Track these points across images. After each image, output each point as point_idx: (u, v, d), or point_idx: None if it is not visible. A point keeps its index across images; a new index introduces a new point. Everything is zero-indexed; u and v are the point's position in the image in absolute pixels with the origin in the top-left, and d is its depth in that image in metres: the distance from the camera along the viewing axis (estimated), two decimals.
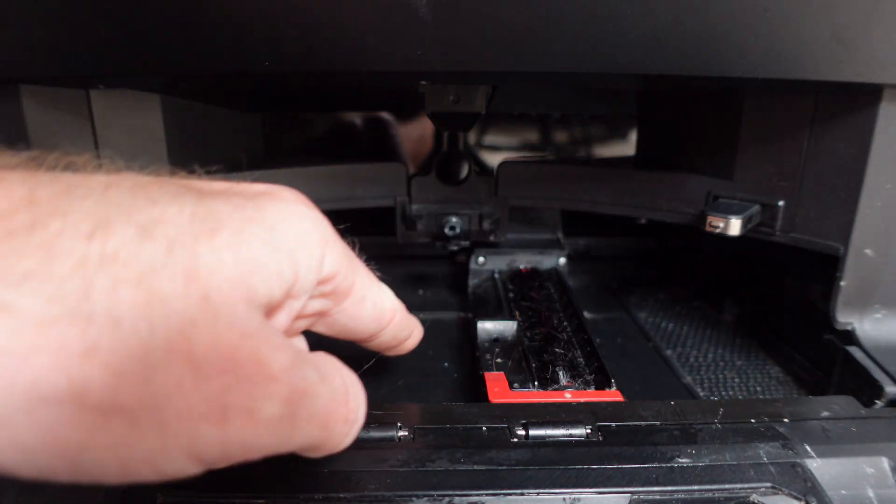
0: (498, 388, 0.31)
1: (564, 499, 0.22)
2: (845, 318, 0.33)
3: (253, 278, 0.17)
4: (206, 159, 0.22)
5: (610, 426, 0.26)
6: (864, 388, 0.31)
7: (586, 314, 0.44)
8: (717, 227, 0.36)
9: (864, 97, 0.30)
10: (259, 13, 0.26)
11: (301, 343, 0.25)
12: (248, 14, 0.26)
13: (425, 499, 0.22)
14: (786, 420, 0.26)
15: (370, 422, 0.24)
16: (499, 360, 0.36)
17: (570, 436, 0.25)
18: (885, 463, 0.24)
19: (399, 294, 0.27)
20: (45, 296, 0.14)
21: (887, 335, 0.33)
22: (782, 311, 0.42)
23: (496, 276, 0.50)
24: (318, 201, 0.22)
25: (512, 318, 0.40)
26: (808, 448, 0.24)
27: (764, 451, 0.24)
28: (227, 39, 0.27)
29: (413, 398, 0.35)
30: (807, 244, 0.34)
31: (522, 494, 0.22)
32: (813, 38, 0.26)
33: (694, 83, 0.35)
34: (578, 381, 0.32)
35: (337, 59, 0.27)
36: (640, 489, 0.22)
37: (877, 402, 0.30)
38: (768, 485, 0.22)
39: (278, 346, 0.17)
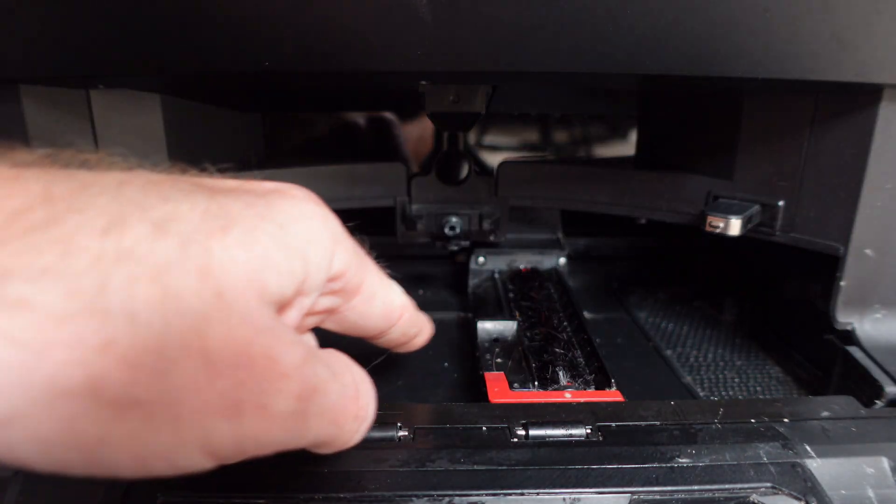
0: (498, 388, 0.31)
1: (564, 499, 0.22)
2: (845, 318, 0.33)
3: (265, 275, 0.17)
4: (206, 159, 0.22)
5: (610, 426, 0.26)
6: (864, 388, 0.31)
7: (586, 314, 0.44)
8: (717, 227, 0.36)
9: (864, 97, 0.30)
10: (259, 13, 0.26)
11: (311, 340, 0.25)
12: (247, 14, 0.26)
13: (425, 499, 0.22)
14: (786, 420, 0.26)
15: None
16: (499, 360, 0.36)
17: (570, 436, 0.25)
18: (885, 463, 0.24)
19: None
20: (62, 291, 0.14)
21: (887, 335, 0.33)
22: (782, 311, 0.42)
23: (496, 276, 0.50)
24: None
25: (512, 318, 0.40)
26: (808, 448, 0.24)
27: (764, 451, 0.24)
28: (226, 39, 0.27)
29: (413, 398, 0.35)
30: (807, 244, 0.34)
31: (522, 494, 0.22)
32: (813, 38, 0.26)
33: (694, 83, 0.35)
34: (578, 381, 0.32)
35: (337, 59, 0.27)
36: (640, 489, 0.22)
37: (877, 402, 0.30)
38: (768, 485, 0.22)
39: (290, 342, 0.17)
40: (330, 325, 0.25)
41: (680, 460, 0.23)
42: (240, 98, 0.51)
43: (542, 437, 0.25)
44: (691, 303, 0.50)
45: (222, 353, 0.16)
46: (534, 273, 0.50)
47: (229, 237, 0.17)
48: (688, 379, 0.39)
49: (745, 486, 0.22)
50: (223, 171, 0.22)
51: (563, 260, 0.51)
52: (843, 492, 0.23)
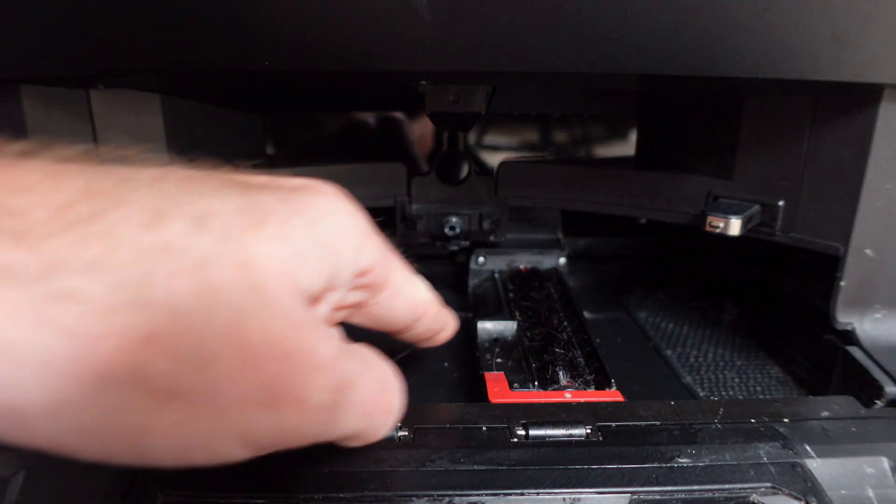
0: (498, 388, 0.31)
1: (564, 499, 0.22)
2: (845, 318, 0.33)
3: (298, 270, 0.17)
4: (207, 160, 0.22)
5: (610, 426, 0.26)
6: (864, 388, 0.31)
7: (586, 314, 0.44)
8: (717, 227, 0.36)
9: (864, 97, 0.30)
10: (258, 13, 0.26)
11: (339, 334, 0.26)
12: (247, 14, 0.26)
13: (425, 499, 0.22)
14: (786, 420, 0.26)
15: None
16: (499, 360, 0.36)
17: (570, 436, 0.25)
18: (885, 463, 0.24)
19: None
20: (109, 284, 0.14)
21: (887, 335, 0.33)
22: (782, 311, 0.42)
23: (496, 276, 0.50)
24: None
25: (512, 318, 0.40)
26: (808, 448, 0.24)
27: (764, 451, 0.24)
28: (226, 39, 0.27)
29: (413, 398, 0.35)
30: (807, 244, 0.34)
31: (522, 494, 0.22)
32: (813, 38, 0.26)
33: (694, 83, 0.35)
34: (578, 381, 0.32)
35: (336, 58, 0.27)
36: (640, 489, 0.22)
37: (877, 402, 0.30)
38: (768, 485, 0.22)
39: (324, 336, 0.18)
40: (357, 319, 0.25)
41: (680, 460, 0.23)
42: (240, 98, 0.51)
43: (542, 437, 0.25)
44: (691, 303, 0.50)
45: (260, 346, 0.16)
46: (534, 273, 0.50)
47: (264, 232, 0.17)
48: (688, 379, 0.39)
49: (745, 486, 0.22)
50: (258, 166, 0.22)
51: (563, 260, 0.51)
52: (843, 492, 0.23)
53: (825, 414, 0.27)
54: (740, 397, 0.37)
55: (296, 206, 0.18)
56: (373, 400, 0.20)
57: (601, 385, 0.32)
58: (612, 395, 0.31)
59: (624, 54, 0.26)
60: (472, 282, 0.51)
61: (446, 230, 0.47)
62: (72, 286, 0.14)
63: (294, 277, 0.17)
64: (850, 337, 0.33)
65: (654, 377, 0.39)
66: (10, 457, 0.23)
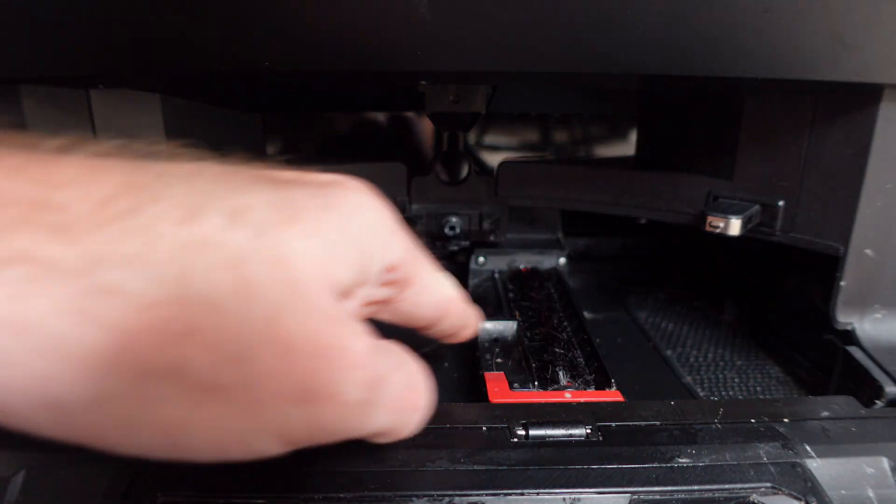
0: (498, 388, 0.31)
1: (564, 499, 0.22)
2: (845, 318, 0.33)
3: (331, 266, 0.17)
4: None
5: (610, 426, 0.26)
6: (864, 388, 0.31)
7: (586, 314, 0.44)
8: (717, 227, 0.36)
9: (864, 97, 0.30)
10: (258, 13, 0.26)
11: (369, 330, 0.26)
12: (247, 14, 0.26)
13: (425, 499, 0.22)
14: (786, 420, 0.26)
15: None
16: (499, 360, 0.36)
17: (570, 436, 0.25)
18: (885, 463, 0.24)
19: None
20: (149, 278, 0.14)
21: (887, 335, 0.33)
22: (782, 311, 0.42)
23: (496, 276, 0.50)
24: None
25: (512, 318, 0.40)
26: (808, 448, 0.24)
27: (764, 451, 0.24)
28: (226, 39, 0.27)
29: None
30: (807, 244, 0.34)
31: (522, 494, 0.22)
32: (813, 38, 0.26)
33: (694, 83, 0.35)
34: (578, 381, 0.32)
35: (336, 58, 0.27)
36: (640, 489, 0.22)
37: (877, 402, 0.30)
38: (768, 485, 0.22)
39: (357, 332, 0.18)
40: (384, 315, 0.25)
41: (680, 460, 0.23)
42: (240, 98, 0.51)
43: (542, 437, 0.25)
44: (691, 303, 0.50)
45: (296, 342, 0.16)
46: (534, 273, 0.50)
47: (297, 227, 0.17)
48: (688, 379, 0.39)
49: (745, 486, 0.22)
50: (291, 162, 0.22)
51: (563, 260, 0.51)
52: (843, 492, 0.23)
53: (825, 414, 0.27)
54: (740, 397, 0.37)
55: (327, 201, 0.18)
56: (403, 396, 0.20)
57: (601, 385, 0.32)
58: (612, 395, 0.31)
59: (624, 54, 0.26)
60: (472, 282, 0.51)
61: (446, 230, 0.47)
62: (113, 280, 0.14)
63: (327, 273, 0.17)
64: (850, 337, 0.33)
65: (654, 377, 0.39)
66: (10, 457, 0.23)
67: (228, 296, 0.15)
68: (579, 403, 0.28)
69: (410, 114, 0.63)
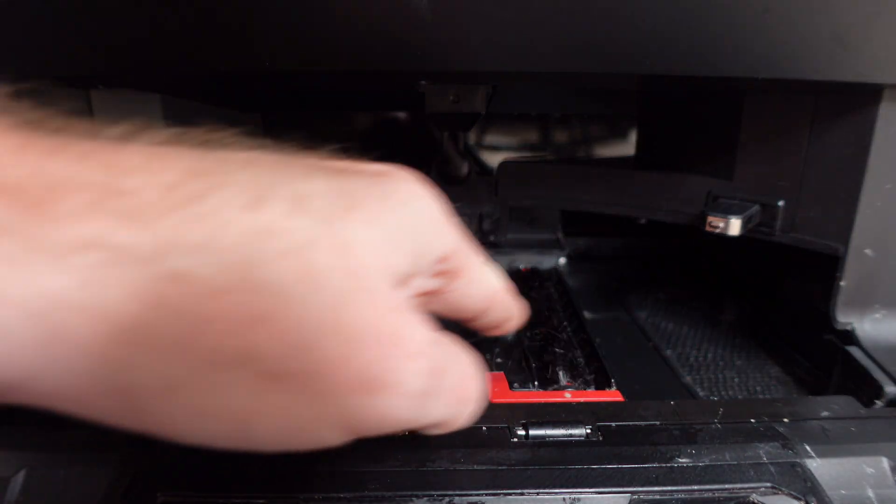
0: (498, 388, 0.31)
1: (564, 499, 0.22)
2: (845, 318, 0.33)
3: (390, 254, 0.17)
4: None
5: (610, 426, 0.26)
6: (864, 388, 0.31)
7: (586, 314, 0.44)
8: (717, 227, 0.36)
9: (864, 97, 0.30)
10: (258, 13, 0.26)
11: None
12: (247, 14, 0.26)
13: (425, 499, 0.22)
14: (786, 420, 0.26)
15: None
16: (499, 360, 0.36)
17: (570, 436, 0.25)
18: (885, 463, 0.24)
19: None
20: (217, 265, 0.14)
21: (887, 335, 0.33)
22: (782, 311, 0.42)
23: None
24: None
25: None
26: (807, 448, 0.24)
27: (764, 451, 0.24)
28: (226, 39, 0.27)
29: None
30: (807, 244, 0.34)
31: (522, 494, 0.22)
32: (813, 38, 0.26)
33: (694, 83, 0.35)
34: (578, 381, 0.32)
35: (336, 58, 0.27)
36: (640, 489, 0.22)
37: (877, 402, 0.30)
38: (768, 485, 0.22)
39: (418, 322, 0.18)
40: (432, 306, 0.24)
41: (680, 460, 0.23)
42: (240, 98, 0.51)
43: (542, 437, 0.25)
44: (691, 303, 0.50)
45: (360, 331, 0.16)
46: (534, 273, 0.50)
47: (358, 216, 0.17)
48: (688, 379, 0.39)
49: (745, 486, 0.22)
50: (343, 150, 0.22)
51: (563, 260, 0.51)
52: (843, 492, 0.23)
53: (825, 414, 0.27)
54: (740, 397, 0.37)
55: (383, 190, 0.18)
56: (460, 387, 0.20)
57: (601, 385, 0.32)
58: (612, 395, 0.31)
59: (624, 54, 0.26)
60: None
61: None
62: (183, 267, 0.14)
63: (387, 262, 0.17)
64: (849, 337, 0.33)
65: (654, 377, 0.39)
66: (10, 457, 0.23)
67: (294, 283, 0.15)
68: (579, 403, 0.28)
69: (409, 114, 0.63)
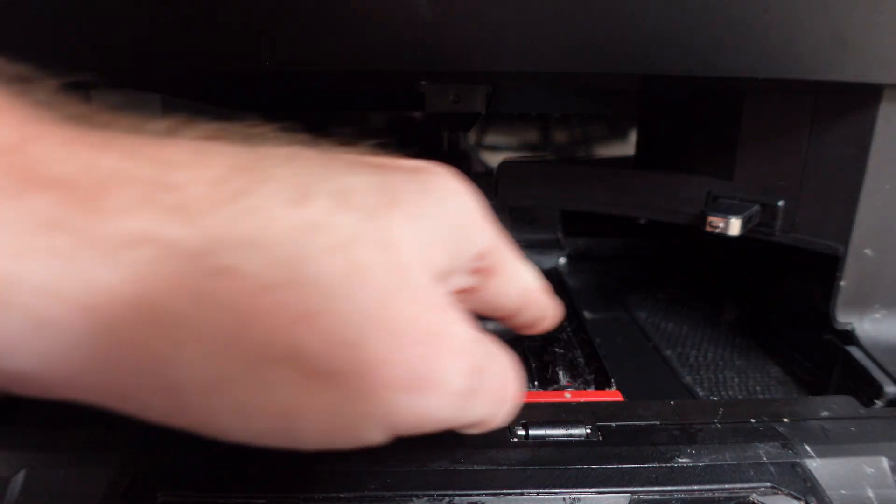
0: None
1: (564, 499, 0.22)
2: (845, 318, 0.33)
3: (431, 251, 0.17)
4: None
5: (610, 426, 0.26)
6: (864, 388, 0.31)
7: (586, 314, 0.44)
8: (717, 227, 0.36)
9: (864, 97, 0.30)
10: (258, 13, 0.26)
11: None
12: (247, 14, 0.26)
13: (425, 499, 0.22)
14: (786, 420, 0.26)
15: None
16: None
17: (570, 436, 0.25)
18: (884, 463, 0.24)
19: None
20: (264, 261, 0.14)
21: (887, 335, 0.33)
22: (782, 311, 0.42)
23: None
24: None
25: None
26: (807, 448, 0.24)
27: (764, 451, 0.24)
28: (226, 39, 0.27)
29: None
30: (807, 244, 0.34)
31: (522, 494, 0.22)
32: (813, 38, 0.26)
33: (694, 83, 0.35)
34: (578, 381, 0.32)
35: (337, 58, 0.27)
36: (640, 489, 0.22)
37: (876, 402, 0.30)
38: (768, 485, 0.22)
39: (461, 319, 0.17)
40: (467, 304, 0.24)
41: (680, 460, 0.23)
42: (240, 98, 0.51)
43: (542, 437, 0.25)
44: (691, 303, 0.50)
45: (405, 328, 0.16)
46: None
47: (400, 212, 0.17)
48: (688, 379, 0.39)
49: (745, 485, 0.22)
50: (382, 146, 0.22)
51: (563, 260, 0.51)
52: (843, 492, 0.23)
53: (825, 414, 0.27)
54: (740, 397, 0.37)
55: (423, 185, 0.18)
56: (501, 386, 0.20)
57: (601, 385, 0.32)
58: (612, 395, 0.31)
59: (624, 54, 0.26)
60: None
61: None
62: (231, 262, 0.14)
63: (428, 258, 0.17)
64: (849, 337, 0.33)
65: (654, 377, 0.39)
66: (10, 457, 0.23)
67: (340, 279, 0.15)
68: (579, 403, 0.28)
69: (411, 113, 0.63)
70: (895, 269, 0.32)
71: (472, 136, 0.63)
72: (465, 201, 0.20)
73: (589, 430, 0.25)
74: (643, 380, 0.38)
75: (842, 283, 0.33)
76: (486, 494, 0.22)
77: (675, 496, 0.22)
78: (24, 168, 0.13)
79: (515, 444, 0.24)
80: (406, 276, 0.16)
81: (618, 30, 0.26)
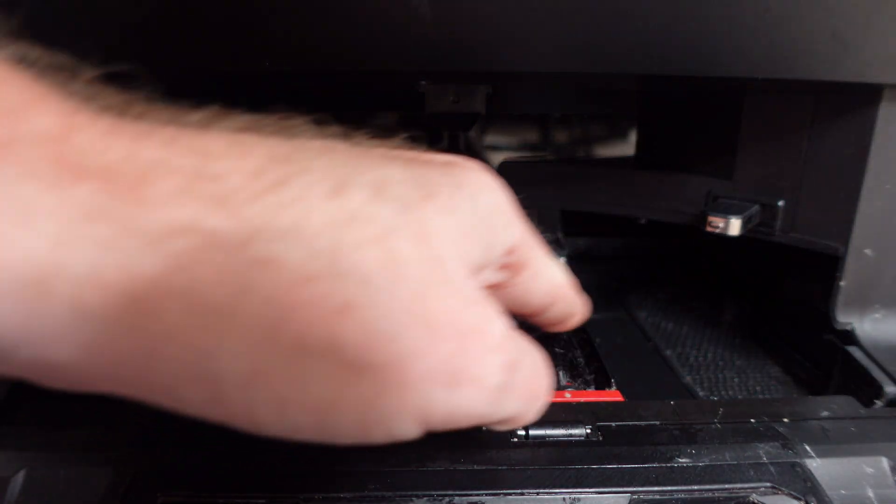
0: None
1: (564, 499, 0.22)
2: (845, 318, 0.33)
3: (465, 244, 0.17)
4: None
5: (610, 426, 0.26)
6: (864, 388, 0.31)
7: None
8: (717, 227, 0.36)
9: (864, 97, 0.30)
10: (258, 13, 0.26)
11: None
12: (247, 14, 0.26)
13: (425, 499, 0.22)
14: (786, 420, 0.26)
15: None
16: None
17: (570, 436, 0.25)
18: (884, 463, 0.24)
19: None
20: (303, 252, 0.14)
21: (887, 335, 0.33)
22: (782, 311, 0.42)
23: None
24: None
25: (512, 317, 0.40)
26: (807, 448, 0.24)
27: (764, 451, 0.24)
28: (225, 39, 0.27)
29: None
30: (807, 244, 0.34)
31: (522, 494, 0.22)
32: (813, 38, 0.26)
33: (694, 83, 0.35)
34: (578, 381, 0.32)
35: (336, 58, 0.27)
36: (640, 489, 0.22)
37: (876, 402, 0.30)
38: (768, 485, 0.22)
39: (495, 314, 0.17)
40: (496, 300, 0.24)
41: (680, 460, 0.23)
42: (239, 98, 0.51)
43: (542, 437, 0.25)
44: (691, 303, 0.50)
45: (442, 321, 0.15)
46: None
47: (434, 204, 0.17)
48: (688, 379, 0.39)
49: (745, 485, 0.22)
50: (415, 139, 0.22)
51: (563, 260, 0.51)
52: (843, 492, 0.23)
53: (825, 414, 0.27)
54: (740, 397, 0.37)
55: (456, 179, 0.18)
56: (533, 382, 0.19)
57: (601, 385, 0.32)
58: (612, 395, 0.31)
59: (624, 54, 0.26)
60: None
61: None
62: (271, 253, 0.14)
63: (464, 252, 0.17)
64: (849, 337, 0.33)
65: (654, 377, 0.39)
66: (10, 457, 0.23)
67: (378, 272, 0.15)
68: (579, 403, 0.28)
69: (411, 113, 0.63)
70: (895, 269, 0.32)
71: (471, 137, 0.63)
72: (496, 196, 0.20)
73: (589, 430, 0.25)
74: (643, 380, 0.38)
75: (842, 283, 0.33)
76: (486, 494, 0.22)
77: (675, 496, 0.22)
78: (67, 158, 0.13)
79: (515, 444, 0.24)
80: (442, 269, 0.16)
81: (618, 30, 0.26)
